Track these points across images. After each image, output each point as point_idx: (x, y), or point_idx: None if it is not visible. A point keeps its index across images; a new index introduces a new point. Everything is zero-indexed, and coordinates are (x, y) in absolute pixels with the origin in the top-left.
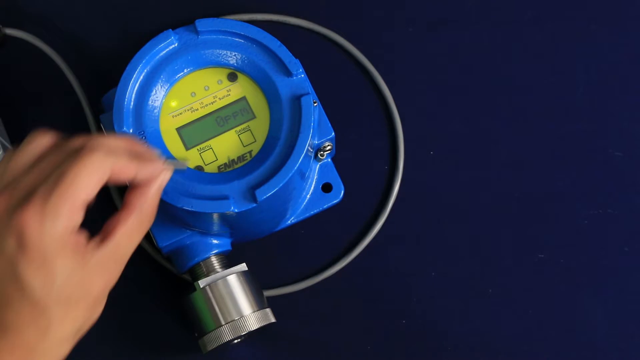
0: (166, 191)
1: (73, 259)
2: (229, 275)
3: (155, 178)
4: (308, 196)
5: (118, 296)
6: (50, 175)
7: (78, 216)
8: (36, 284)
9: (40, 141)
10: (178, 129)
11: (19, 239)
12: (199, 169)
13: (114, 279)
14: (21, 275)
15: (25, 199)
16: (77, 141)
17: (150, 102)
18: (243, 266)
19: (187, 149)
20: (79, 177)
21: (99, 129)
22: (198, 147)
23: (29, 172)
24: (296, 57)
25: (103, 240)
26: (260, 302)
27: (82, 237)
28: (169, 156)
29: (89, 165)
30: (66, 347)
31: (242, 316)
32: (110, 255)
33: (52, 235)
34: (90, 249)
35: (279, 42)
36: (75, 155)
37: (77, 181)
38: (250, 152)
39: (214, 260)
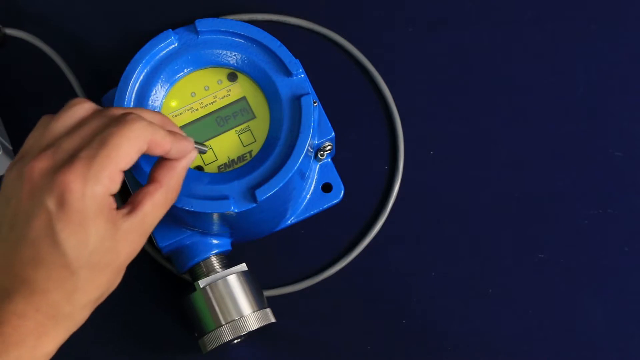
0: None
1: (106, 225)
2: (229, 275)
3: (185, 155)
4: (308, 196)
5: (118, 296)
6: (93, 139)
7: (116, 183)
8: (70, 245)
9: (82, 106)
10: None
11: (60, 198)
12: (199, 169)
13: (137, 250)
14: (58, 234)
15: (68, 161)
16: (117, 110)
17: (150, 102)
18: (243, 266)
19: None
20: (121, 144)
21: None
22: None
23: (70, 135)
24: (296, 57)
25: (131, 211)
26: (260, 302)
27: (115, 204)
28: None
29: (132, 133)
30: (86, 314)
31: (242, 316)
32: (137, 226)
33: (92, 198)
34: (120, 217)
35: (279, 42)
36: (118, 122)
37: (120, 147)
38: (250, 152)
39: (214, 260)
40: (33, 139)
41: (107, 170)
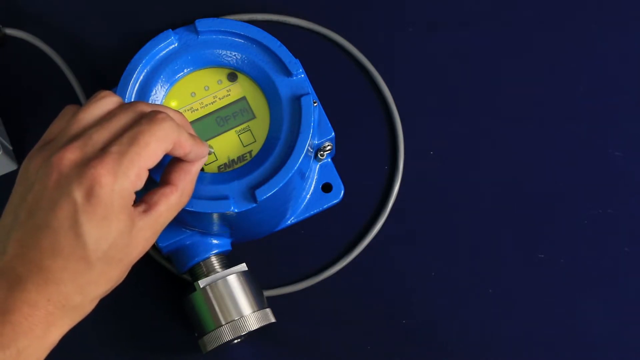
0: None
1: (126, 222)
2: (229, 275)
3: (200, 159)
4: (308, 196)
5: (119, 296)
6: (123, 134)
7: (142, 180)
8: (92, 238)
9: (110, 99)
10: None
11: (88, 191)
12: None
13: (147, 248)
14: (81, 226)
15: (98, 154)
16: (145, 106)
17: (150, 102)
18: (243, 266)
19: None
20: (151, 142)
21: None
22: None
23: (99, 127)
24: (296, 57)
25: (147, 210)
26: (260, 302)
27: (133, 202)
28: None
29: (161, 132)
30: (92, 306)
31: (242, 316)
32: (151, 225)
33: (120, 193)
34: (137, 214)
35: (279, 42)
36: (149, 120)
37: (149, 146)
38: (250, 152)
39: (214, 260)
40: (58, 128)
41: (136, 167)
